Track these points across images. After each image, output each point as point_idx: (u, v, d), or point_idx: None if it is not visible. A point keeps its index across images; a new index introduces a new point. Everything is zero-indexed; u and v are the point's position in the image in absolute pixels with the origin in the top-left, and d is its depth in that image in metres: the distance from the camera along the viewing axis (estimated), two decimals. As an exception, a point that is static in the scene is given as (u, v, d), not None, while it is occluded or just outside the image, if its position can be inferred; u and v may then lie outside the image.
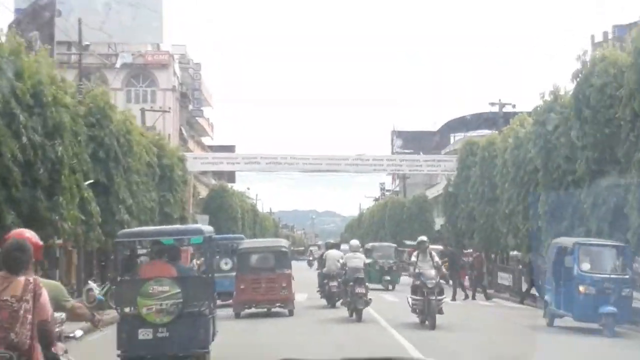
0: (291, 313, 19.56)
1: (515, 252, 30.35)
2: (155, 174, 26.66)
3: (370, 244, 37.51)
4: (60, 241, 16.84)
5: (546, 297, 17.17)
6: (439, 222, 61.59)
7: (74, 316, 6.64)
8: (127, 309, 10.82)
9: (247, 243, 24.04)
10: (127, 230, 15.01)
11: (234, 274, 21.47)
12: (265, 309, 19.87)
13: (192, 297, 10.62)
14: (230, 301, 21.28)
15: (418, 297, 16.43)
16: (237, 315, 19.54)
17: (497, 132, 33.69)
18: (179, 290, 10.39)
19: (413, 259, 17.07)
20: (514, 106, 40.10)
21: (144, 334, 10.39)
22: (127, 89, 50.20)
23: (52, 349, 5.59)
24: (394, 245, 38.09)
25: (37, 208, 13.97)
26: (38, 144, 14.08)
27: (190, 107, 59.52)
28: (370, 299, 18.56)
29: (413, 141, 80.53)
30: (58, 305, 6.00)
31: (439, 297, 16.19)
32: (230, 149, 62.49)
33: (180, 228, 15.03)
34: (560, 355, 11.38)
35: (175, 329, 10.35)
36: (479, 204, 31.41)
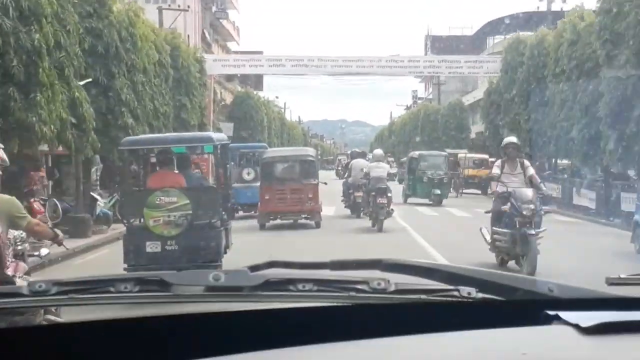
0: (318, 225, 18.69)
1: (564, 161, 27.67)
2: (169, 76, 24.15)
3: (417, 153, 31.32)
4: (45, 148, 14.56)
5: (636, 217, 13.76)
6: (474, 129, 58.93)
7: (32, 233, 6.37)
8: (134, 221, 10.38)
9: (272, 152, 23.04)
10: (131, 137, 13.91)
11: (256, 184, 20.96)
12: (291, 220, 19.00)
13: (203, 209, 10.10)
14: (253, 212, 20.95)
15: (505, 230, 11.13)
16: (262, 227, 18.77)
17: (547, 28, 30.41)
18: (187, 201, 9.85)
19: (496, 170, 11.68)
20: (564, 1, 36.32)
21: (152, 246, 9.89)
22: (143, -13, 46.94)
23: (6, 270, 5.16)
24: (445, 153, 32.38)
25: (9, 108, 11.59)
26: (9, 29, 11.58)
27: (214, 8, 56.34)
28: (392, 209, 18.01)
29: (448, 47, 76.73)
30: (13, 222, 5.68)
31: (538, 230, 10.86)
32: (257, 54, 59.44)
33: (188, 135, 14.05)
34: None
35: (185, 242, 9.86)
36: (525, 108, 28.54)
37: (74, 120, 14.32)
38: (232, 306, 1.58)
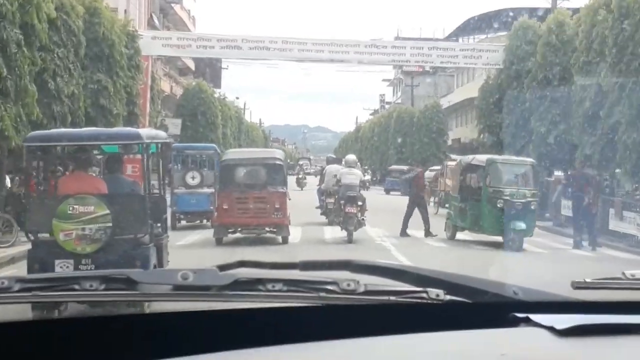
0: (285, 240, 16.22)
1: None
2: (80, 46, 18.04)
3: (484, 158, 17.89)
4: None
5: None
6: (452, 135, 53.73)
7: None
8: (40, 235, 8.56)
9: (234, 153, 20.74)
10: (39, 132, 11.46)
11: (202, 190, 20.10)
12: (254, 235, 16.50)
13: (127, 220, 8.48)
14: (198, 222, 20.22)
15: None
16: (219, 242, 16.20)
17: (567, 9, 24.94)
18: (107, 211, 8.20)
19: None
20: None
21: (62, 265, 8.21)
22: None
23: None
24: (531, 160, 18.20)
25: None
26: None
27: (165, -9, 50.18)
28: (363, 218, 16.74)
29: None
30: None
31: None
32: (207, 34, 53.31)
33: (109, 131, 11.57)
34: None
35: (103, 261, 8.16)
36: (538, 106, 22.98)
37: None
38: (200, 305, 1.56)
